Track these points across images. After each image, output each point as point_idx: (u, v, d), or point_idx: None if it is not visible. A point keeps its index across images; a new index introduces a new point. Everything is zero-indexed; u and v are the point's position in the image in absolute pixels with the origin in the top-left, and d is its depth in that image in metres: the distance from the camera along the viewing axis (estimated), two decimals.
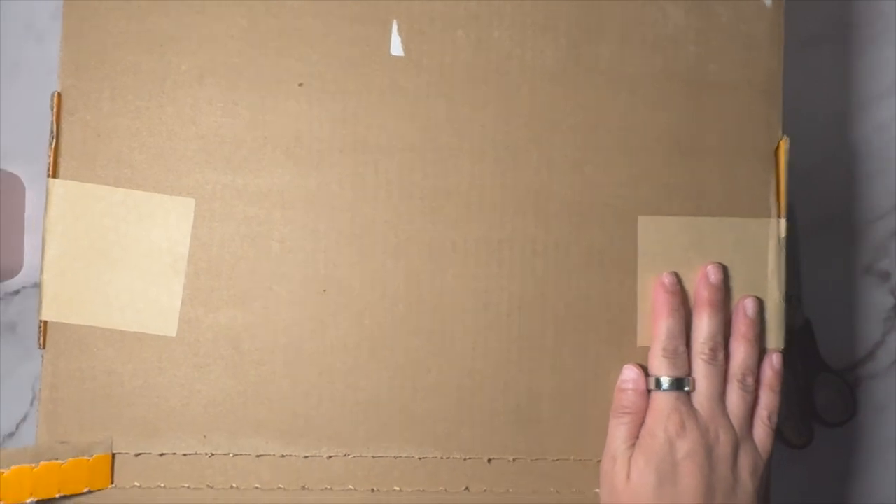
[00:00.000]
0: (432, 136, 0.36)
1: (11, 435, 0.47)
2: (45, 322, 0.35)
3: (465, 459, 0.36)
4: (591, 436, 0.36)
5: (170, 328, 0.35)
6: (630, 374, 0.36)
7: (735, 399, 0.35)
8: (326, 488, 0.36)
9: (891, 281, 0.48)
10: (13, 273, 0.45)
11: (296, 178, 0.36)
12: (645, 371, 0.36)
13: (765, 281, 0.37)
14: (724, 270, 0.36)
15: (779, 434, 0.43)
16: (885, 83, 0.49)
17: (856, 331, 0.48)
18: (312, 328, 0.36)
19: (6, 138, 0.46)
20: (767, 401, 0.36)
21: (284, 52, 0.36)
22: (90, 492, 0.35)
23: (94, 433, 0.35)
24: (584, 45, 0.37)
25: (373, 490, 0.36)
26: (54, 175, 0.35)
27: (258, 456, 0.35)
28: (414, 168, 0.36)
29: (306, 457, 0.36)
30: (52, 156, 0.35)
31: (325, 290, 0.36)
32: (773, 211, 0.37)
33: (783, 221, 0.37)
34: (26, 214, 0.46)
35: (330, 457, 0.36)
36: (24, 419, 0.47)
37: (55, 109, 0.35)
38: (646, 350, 0.36)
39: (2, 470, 0.31)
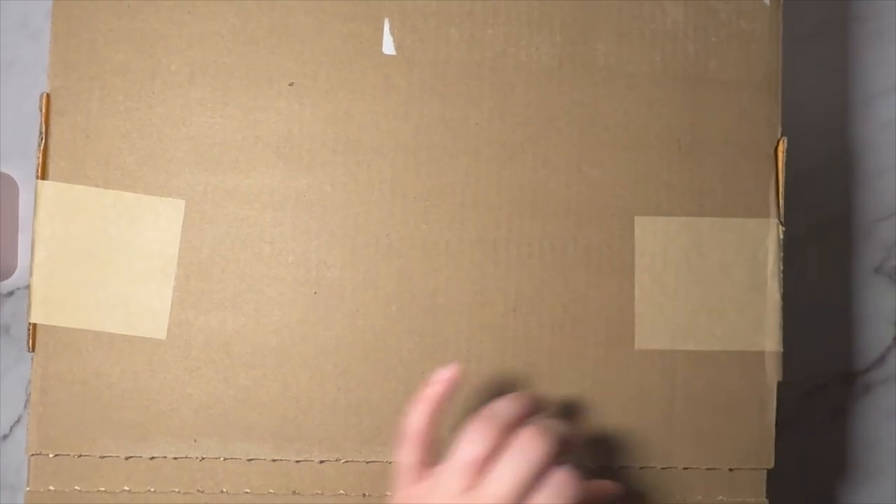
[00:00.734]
0: (426, 135, 0.36)
1: (5, 437, 0.46)
2: (35, 325, 0.35)
3: None
4: (588, 440, 0.36)
5: (160, 331, 0.35)
6: None
7: None
8: (318, 493, 0.35)
9: None
10: (7, 274, 0.45)
11: (287, 179, 0.36)
12: None
13: (764, 281, 0.36)
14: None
15: None
16: (889, 79, 0.48)
17: (865, 334, 0.47)
18: (304, 330, 0.35)
19: (0, 139, 0.46)
20: None
21: (276, 50, 0.36)
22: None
23: (84, 436, 0.35)
24: (580, 42, 0.36)
25: (364, 495, 0.35)
26: (43, 177, 0.35)
27: (249, 460, 0.35)
28: (407, 167, 0.36)
29: (297, 461, 0.35)
30: (41, 157, 0.35)
31: (316, 292, 0.35)
32: (773, 211, 0.36)
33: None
34: (21, 215, 0.46)
35: (322, 461, 0.35)
36: (17, 421, 0.46)
37: (44, 110, 0.35)
38: (644, 353, 0.36)
39: None
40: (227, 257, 0.35)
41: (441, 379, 0.32)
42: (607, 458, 0.36)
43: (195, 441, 0.35)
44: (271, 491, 0.35)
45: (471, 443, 0.29)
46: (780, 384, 0.37)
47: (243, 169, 0.35)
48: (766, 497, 0.37)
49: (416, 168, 0.36)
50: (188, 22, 0.36)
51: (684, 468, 0.36)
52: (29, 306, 0.35)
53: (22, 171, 0.46)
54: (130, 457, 0.35)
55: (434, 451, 0.31)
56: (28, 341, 0.35)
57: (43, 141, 0.35)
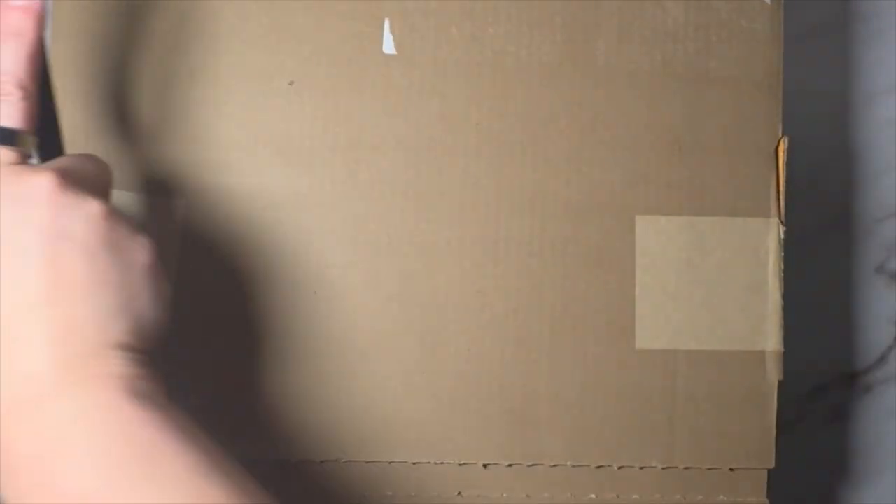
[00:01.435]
0: (426, 134, 0.36)
1: None
2: None
3: (459, 465, 0.35)
4: (589, 440, 0.36)
5: None
6: None
7: None
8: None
9: None
10: None
11: (287, 178, 0.35)
12: None
13: (765, 281, 0.36)
14: None
15: None
16: (890, 79, 0.48)
17: (865, 334, 0.47)
18: (303, 330, 0.35)
19: None
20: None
21: (275, 49, 0.36)
22: None
23: None
24: (580, 41, 0.36)
25: (365, 495, 0.35)
26: None
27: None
28: (407, 166, 0.36)
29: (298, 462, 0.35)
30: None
31: (316, 292, 0.35)
32: (774, 210, 0.36)
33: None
34: None
35: (322, 461, 0.35)
36: None
37: None
38: (644, 352, 0.36)
39: None
40: (227, 257, 0.35)
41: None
42: (607, 457, 0.36)
43: None
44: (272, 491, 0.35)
45: None
46: (780, 384, 0.37)
47: (243, 168, 0.35)
48: (767, 497, 0.37)
49: (416, 167, 0.36)
50: (187, 21, 0.35)
51: (685, 468, 0.36)
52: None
53: None
54: None
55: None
56: None
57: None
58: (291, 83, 0.36)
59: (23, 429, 0.24)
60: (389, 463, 0.35)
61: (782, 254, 0.36)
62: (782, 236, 0.36)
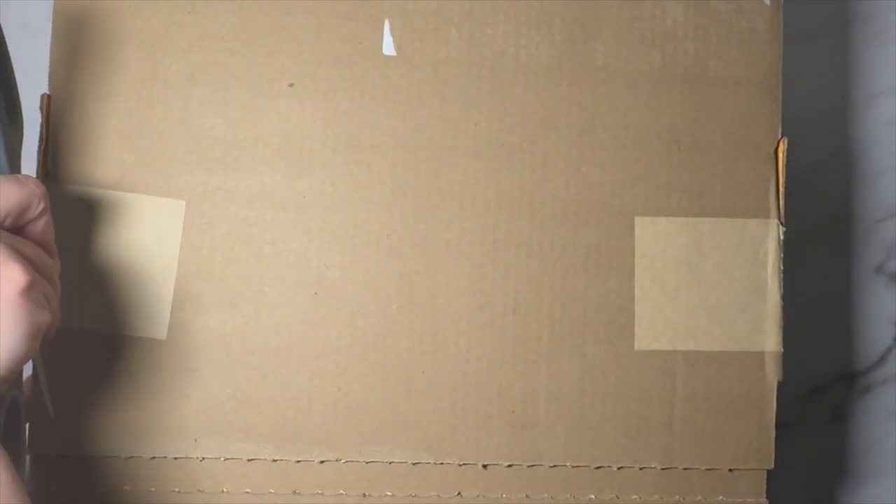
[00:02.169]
0: (425, 134, 0.36)
1: None
2: None
3: (459, 465, 0.35)
4: (588, 441, 0.36)
5: (160, 331, 0.35)
6: None
7: None
8: (318, 493, 0.35)
9: None
10: None
11: (287, 179, 0.36)
12: None
13: (764, 282, 0.36)
14: None
15: None
16: (890, 79, 0.48)
17: (865, 335, 0.47)
18: (304, 330, 0.35)
19: None
20: None
21: (276, 51, 0.36)
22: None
23: (85, 436, 0.35)
24: (579, 41, 0.36)
25: (364, 495, 0.35)
26: (44, 178, 0.35)
27: (249, 460, 0.35)
28: (407, 167, 0.36)
29: (298, 461, 0.35)
30: (41, 158, 0.35)
31: (316, 293, 0.35)
32: (773, 211, 0.36)
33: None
34: None
35: (322, 462, 0.35)
36: None
37: (45, 111, 0.35)
38: (644, 353, 0.36)
39: None
40: (228, 257, 0.35)
41: None
42: (606, 457, 0.36)
43: (195, 441, 0.35)
44: (271, 491, 0.35)
45: None
46: (780, 385, 0.37)
47: (243, 169, 0.36)
48: (766, 497, 0.37)
49: (416, 168, 0.36)
50: (188, 23, 0.36)
51: (684, 468, 0.36)
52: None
53: (23, 170, 0.46)
54: (131, 457, 0.35)
55: None
56: None
57: (44, 142, 0.35)
58: (292, 85, 0.36)
59: None
60: (389, 463, 0.35)
61: (782, 254, 0.36)
62: (782, 237, 0.36)
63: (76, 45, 0.35)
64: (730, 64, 0.37)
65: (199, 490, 0.35)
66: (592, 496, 0.36)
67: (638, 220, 0.36)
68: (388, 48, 0.36)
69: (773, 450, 0.36)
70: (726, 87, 0.37)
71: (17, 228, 0.29)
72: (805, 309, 0.47)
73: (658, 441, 0.36)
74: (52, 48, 0.35)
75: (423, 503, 0.35)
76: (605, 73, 0.36)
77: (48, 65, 0.35)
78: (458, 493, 0.35)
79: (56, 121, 0.35)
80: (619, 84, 0.36)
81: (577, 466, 0.36)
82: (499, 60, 0.36)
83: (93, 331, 0.35)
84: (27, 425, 0.34)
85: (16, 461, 0.29)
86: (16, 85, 0.31)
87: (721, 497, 0.36)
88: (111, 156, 0.35)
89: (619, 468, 0.36)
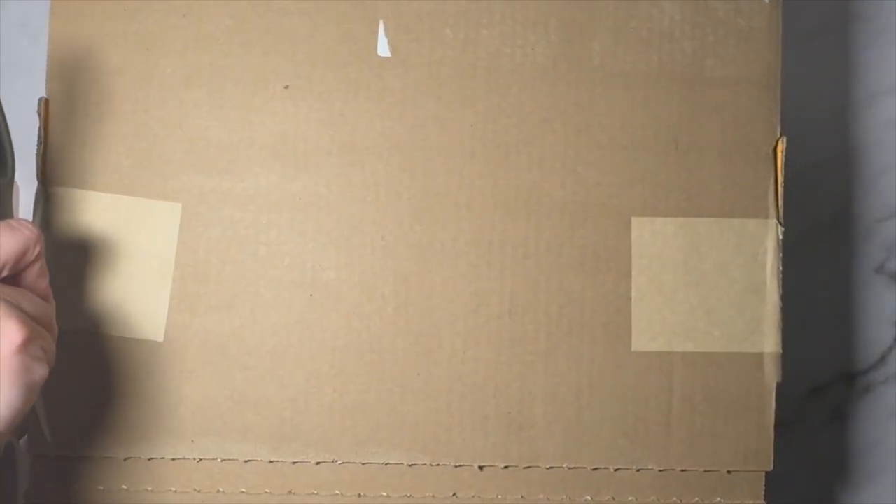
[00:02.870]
0: (421, 135, 0.36)
1: None
2: None
3: (455, 466, 0.35)
4: (584, 442, 0.35)
5: (157, 333, 0.35)
6: None
7: None
8: (313, 493, 0.35)
9: None
10: None
11: (282, 181, 0.36)
12: None
13: (763, 282, 0.36)
14: None
15: None
16: (890, 79, 0.48)
17: (865, 335, 0.47)
18: (300, 332, 0.35)
19: None
20: None
21: (271, 52, 0.36)
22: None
23: (83, 437, 0.35)
24: (575, 41, 0.36)
25: (360, 495, 0.35)
26: (42, 181, 0.35)
27: (246, 461, 0.35)
28: (402, 168, 0.36)
29: (294, 462, 0.35)
30: (39, 161, 0.35)
31: (311, 294, 0.35)
32: (772, 211, 0.36)
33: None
34: (22, 216, 0.46)
35: (318, 462, 0.35)
36: None
37: (42, 115, 0.35)
38: (641, 354, 0.36)
39: None
40: (224, 259, 0.35)
41: None
42: (603, 459, 0.36)
43: (192, 442, 0.35)
44: (268, 491, 0.35)
45: None
46: (779, 385, 0.36)
47: (239, 171, 0.36)
48: (765, 499, 0.36)
49: (411, 169, 0.36)
50: (183, 25, 0.36)
51: (682, 470, 0.36)
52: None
53: (22, 171, 0.46)
54: (128, 457, 0.35)
55: None
56: None
57: (41, 145, 0.35)
58: (287, 86, 0.36)
59: None
60: (385, 464, 0.35)
61: (781, 255, 0.36)
62: (781, 237, 0.36)
63: (73, 47, 0.35)
64: (728, 63, 0.36)
65: (195, 490, 0.35)
66: (589, 498, 0.36)
67: (635, 221, 0.36)
68: (383, 49, 0.36)
69: (772, 451, 0.36)
70: (724, 86, 0.36)
71: (12, 275, 0.29)
72: (805, 309, 0.47)
73: (655, 442, 0.36)
74: (49, 51, 0.35)
75: (418, 503, 0.35)
76: (602, 72, 0.36)
77: (45, 68, 0.35)
78: (454, 494, 0.36)
79: (54, 124, 0.35)
80: (616, 84, 0.36)
81: (574, 468, 0.36)
82: (494, 61, 0.36)
83: (90, 333, 0.35)
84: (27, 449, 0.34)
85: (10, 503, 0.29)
86: (5, 129, 0.31)
87: (719, 499, 0.36)
88: (108, 159, 0.35)
89: (616, 470, 0.36)
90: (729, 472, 0.36)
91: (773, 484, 0.37)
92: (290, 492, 0.35)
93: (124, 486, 0.35)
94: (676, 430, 0.36)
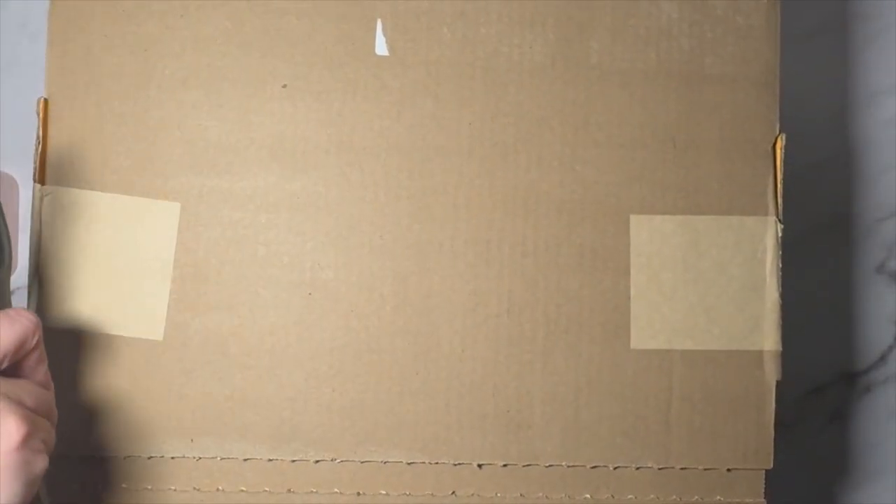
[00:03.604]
0: (419, 135, 0.36)
1: None
2: None
3: (454, 465, 0.36)
4: (583, 440, 0.35)
5: (156, 332, 0.35)
6: None
7: None
8: (312, 492, 0.35)
9: None
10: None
11: (281, 181, 0.36)
12: None
13: (763, 280, 0.36)
14: None
15: None
16: (890, 78, 0.48)
17: (865, 334, 0.47)
18: (299, 331, 0.35)
19: (0, 138, 0.47)
20: None
21: (268, 53, 0.36)
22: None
23: (82, 437, 0.35)
24: (573, 39, 0.36)
25: (359, 494, 0.35)
26: (41, 181, 0.35)
27: (245, 460, 0.35)
28: (400, 168, 0.36)
29: (293, 461, 0.35)
30: (38, 161, 0.35)
31: (310, 294, 0.36)
32: (771, 209, 0.36)
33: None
34: (21, 214, 0.46)
35: (317, 461, 0.35)
36: None
37: (41, 115, 0.35)
38: (640, 352, 0.36)
39: None
40: (223, 259, 0.36)
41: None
42: (602, 457, 0.36)
43: (192, 441, 0.35)
44: (267, 489, 0.35)
45: None
46: (779, 384, 0.36)
47: (238, 171, 0.36)
48: (765, 497, 0.36)
49: (409, 168, 0.36)
50: (182, 26, 0.36)
51: (682, 468, 0.36)
52: (27, 309, 0.35)
53: (22, 171, 0.46)
54: (128, 456, 0.35)
55: None
56: None
57: (40, 145, 0.35)
58: (285, 86, 0.36)
59: None
60: (384, 463, 0.35)
61: (780, 252, 0.36)
62: (780, 235, 0.36)
63: (71, 48, 0.36)
64: (726, 61, 0.36)
65: (195, 489, 0.35)
66: (588, 496, 0.36)
67: (633, 219, 0.36)
68: (381, 48, 0.36)
69: (772, 449, 0.36)
70: (722, 84, 0.36)
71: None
72: (805, 308, 0.46)
73: (655, 441, 0.36)
74: (48, 52, 0.36)
75: (418, 502, 0.35)
76: (600, 71, 0.36)
77: (44, 68, 0.35)
78: (453, 493, 0.36)
79: (52, 124, 0.35)
80: (614, 82, 0.36)
81: (573, 466, 0.36)
82: (492, 60, 0.36)
83: (90, 332, 0.35)
84: None
85: None
86: (3, 220, 0.31)
87: (719, 497, 0.36)
88: (107, 159, 0.36)
89: (615, 468, 0.36)
90: (729, 469, 0.36)
91: (773, 484, 0.37)
92: (289, 490, 0.35)
93: (124, 485, 0.35)
94: (676, 428, 0.36)
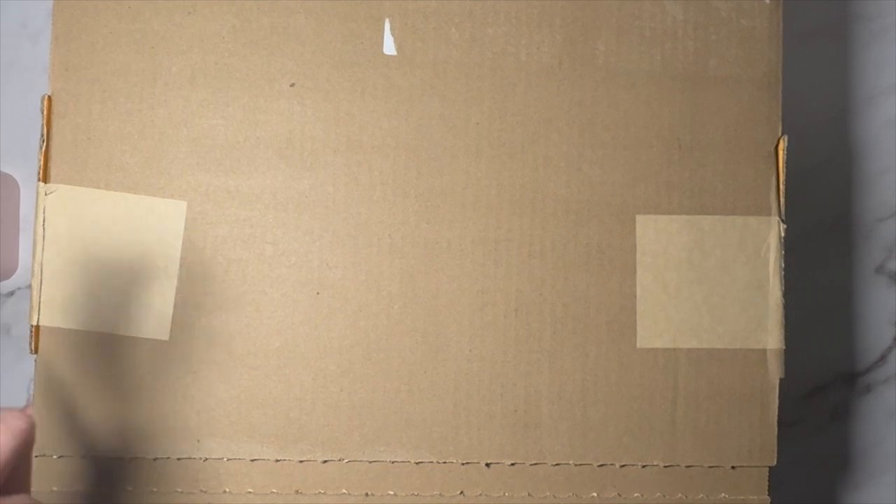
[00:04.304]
0: (426, 134, 0.36)
1: None
2: (38, 327, 0.35)
3: (462, 464, 0.35)
4: (591, 439, 0.36)
5: (162, 332, 0.35)
6: None
7: None
8: (320, 493, 0.35)
9: None
10: (8, 274, 0.45)
11: (288, 180, 0.36)
12: None
13: (766, 279, 0.36)
14: None
15: None
16: (890, 79, 0.48)
17: (865, 334, 0.47)
18: (306, 331, 0.35)
19: (0, 139, 0.46)
20: None
21: (276, 51, 0.36)
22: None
23: (87, 437, 0.35)
24: (580, 40, 0.36)
25: (367, 495, 0.35)
26: (45, 179, 0.35)
27: (252, 460, 0.35)
28: (408, 167, 0.36)
29: (301, 461, 0.35)
30: (42, 160, 0.35)
31: (318, 293, 0.35)
32: (774, 209, 0.37)
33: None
34: (21, 215, 0.46)
35: (325, 461, 0.35)
36: None
37: (45, 112, 0.35)
38: (646, 351, 0.36)
39: None
40: (230, 258, 0.35)
41: None
42: (609, 456, 0.36)
43: (198, 442, 0.35)
44: (274, 491, 0.35)
45: None
46: (780, 384, 0.37)
47: (245, 170, 0.36)
48: (769, 494, 0.37)
49: (417, 168, 0.36)
50: (189, 23, 0.36)
51: (687, 466, 0.36)
52: (31, 309, 0.35)
53: (22, 171, 0.46)
54: (134, 457, 0.35)
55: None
56: (30, 343, 0.35)
57: (44, 143, 0.35)
58: (293, 85, 0.36)
59: None
60: (392, 462, 0.35)
61: (783, 251, 0.36)
62: (783, 234, 0.36)
63: (76, 46, 0.35)
64: (730, 62, 0.37)
65: (201, 490, 0.35)
66: (595, 494, 0.36)
67: (639, 219, 0.36)
68: (389, 48, 0.36)
69: (776, 447, 0.36)
70: (726, 85, 0.37)
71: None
72: (806, 309, 0.47)
73: (660, 439, 0.36)
74: (53, 49, 0.35)
75: (426, 502, 0.35)
76: (606, 72, 0.36)
77: (48, 66, 0.35)
78: (461, 492, 0.35)
79: (57, 122, 0.35)
80: (620, 83, 0.36)
81: (580, 465, 0.36)
82: (499, 60, 0.36)
83: (96, 332, 0.35)
84: None
85: None
86: None
87: (724, 494, 0.36)
88: (112, 157, 0.35)
89: (621, 466, 0.36)
90: (733, 467, 0.37)
91: (774, 484, 0.37)
92: (297, 491, 0.35)
93: (129, 487, 0.35)
94: (681, 426, 0.36)
